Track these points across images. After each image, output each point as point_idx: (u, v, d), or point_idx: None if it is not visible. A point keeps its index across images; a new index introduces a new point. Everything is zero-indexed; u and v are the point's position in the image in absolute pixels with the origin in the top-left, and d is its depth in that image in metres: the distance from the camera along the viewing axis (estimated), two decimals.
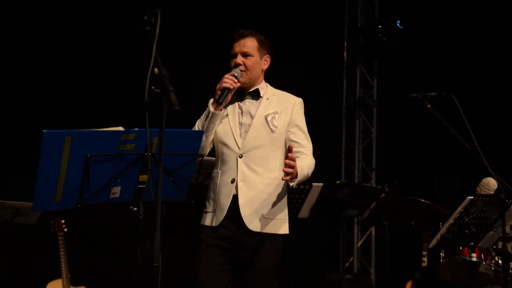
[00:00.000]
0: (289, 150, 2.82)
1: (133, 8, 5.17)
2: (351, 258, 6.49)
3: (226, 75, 2.92)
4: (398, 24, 6.28)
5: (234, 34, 3.03)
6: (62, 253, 4.40)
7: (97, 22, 5.17)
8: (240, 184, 2.90)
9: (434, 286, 4.78)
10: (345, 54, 6.77)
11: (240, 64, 2.97)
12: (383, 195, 4.54)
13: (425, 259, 5.25)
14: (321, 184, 4.50)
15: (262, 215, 2.92)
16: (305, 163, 2.93)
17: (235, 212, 2.90)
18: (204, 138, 2.85)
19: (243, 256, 2.93)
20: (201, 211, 3.02)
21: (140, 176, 2.50)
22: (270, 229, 2.93)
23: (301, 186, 4.40)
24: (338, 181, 4.69)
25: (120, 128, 2.39)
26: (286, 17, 6.12)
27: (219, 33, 5.45)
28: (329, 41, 6.54)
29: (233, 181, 2.91)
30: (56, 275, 4.46)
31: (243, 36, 3.01)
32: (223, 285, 2.93)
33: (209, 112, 2.90)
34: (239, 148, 2.94)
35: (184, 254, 5.39)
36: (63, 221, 4.41)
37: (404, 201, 4.42)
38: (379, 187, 4.73)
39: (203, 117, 2.94)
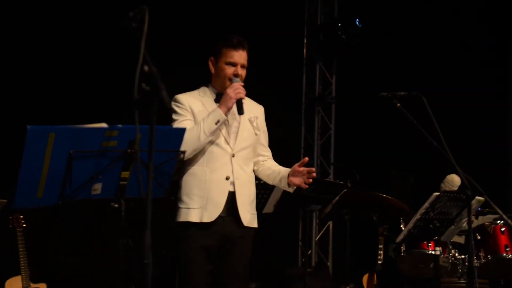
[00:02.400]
0: (304, 161, 3.12)
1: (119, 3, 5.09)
2: (309, 252, 6.61)
3: (237, 85, 3.02)
4: (357, 23, 6.41)
5: (231, 39, 3.10)
6: (21, 249, 4.32)
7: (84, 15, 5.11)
8: (236, 182, 3.04)
9: (394, 278, 4.94)
10: (304, 51, 6.86)
11: (240, 75, 3.08)
12: (346, 190, 4.63)
13: (381, 252, 5.40)
14: None
15: (249, 211, 3.11)
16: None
17: (231, 208, 3.03)
18: (208, 140, 2.98)
19: (228, 246, 3.07)
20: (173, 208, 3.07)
21: (122, 172, 2.50)
22: (252, 223, 3.14)
23: None
24: None
25: (104, 125, 2.37)
26: (247, 13, 6.14)
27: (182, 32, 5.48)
28: (289, 38, 6.61)
29: (227, 178, 3.03)
30: (15, 272, 4.36)
31: (243, 46, 3.11)
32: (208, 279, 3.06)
33: (221, 117, 2.97)
34: (231, 148, 3.07)
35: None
36: (21, 216, 4.33)
37: (366, 196, 4.53)
38: (342, 182, 4.83)
39: (211, 122, 2.96)
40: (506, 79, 6.56)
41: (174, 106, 3.08)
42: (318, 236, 6.64)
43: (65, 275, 5.12)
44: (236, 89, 2.99)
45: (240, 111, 2.99)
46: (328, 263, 6.59)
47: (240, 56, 3.08)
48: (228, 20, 5.81)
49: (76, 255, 5.21)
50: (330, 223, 6.64)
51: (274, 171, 3.20)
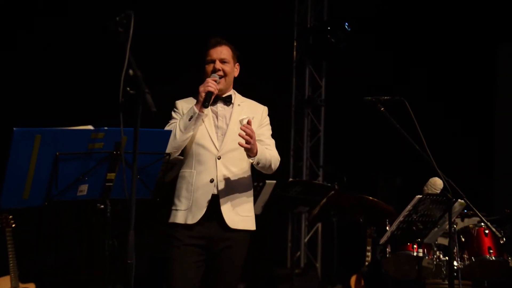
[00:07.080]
0: (248, 122, 2.97)
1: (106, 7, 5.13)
2: (298, 253, 6.66)
3: (209, 79, 3.05)
4: (346, 26, 6.46)
5: (209, 41, 3.16)
6: (10, 249, 4.33)
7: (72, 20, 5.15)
8: (220, 184, 3.06)
9: (380, 280, 5.00)
10: (294, 53, 6.91)
11: (219, 70, 3.11)
12: (333, 192, 4.68)
13: (369, 253, 5.46)
14: (274, 181, 4.61)
15: (238, 213, 3.10)
16: (268, 151, 3.13)
17: (214, 211, 3.05)
18: (185, 138, 3.01)
19: (217, 249, 3.08)
20: (167, 209, 3.10)
21: (108, 174, 2.53)
22: (243, 225, 3.13)
23: (255, 183, 4.50)
24: (291, 179, 4.81)
25: (90, 127, 2.41)
26: (238, 15, 6.18)
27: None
28: (279, 40, 6.66)
29: (212, 181, 3.06)
30: (4, 272, 4.38)
31: (220, 43, 3.15)
32: (196, 282, 3.06)
33: (194, 113, 3.01)
34: (217, 150, 3.09)
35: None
36: (10, 216, 4.35)
37: (352, 198, 4.57)
38: (329, 184, 4.88)
39: (185, 118, 3.02)
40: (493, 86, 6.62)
41: (172, 111, 3.17)
42: (307, 238, 6.69)
43: (54, 275, 5.14)
44: (206, 83, 3.03)
45: (205, 104, 2.99)
46: (317, 265, 6.64)
47: (217, 52, 3.13)
48: (219, 21, 5.85)
49: (64, 255, 5.23)
50: (319, 225, 6.69)
51: None
